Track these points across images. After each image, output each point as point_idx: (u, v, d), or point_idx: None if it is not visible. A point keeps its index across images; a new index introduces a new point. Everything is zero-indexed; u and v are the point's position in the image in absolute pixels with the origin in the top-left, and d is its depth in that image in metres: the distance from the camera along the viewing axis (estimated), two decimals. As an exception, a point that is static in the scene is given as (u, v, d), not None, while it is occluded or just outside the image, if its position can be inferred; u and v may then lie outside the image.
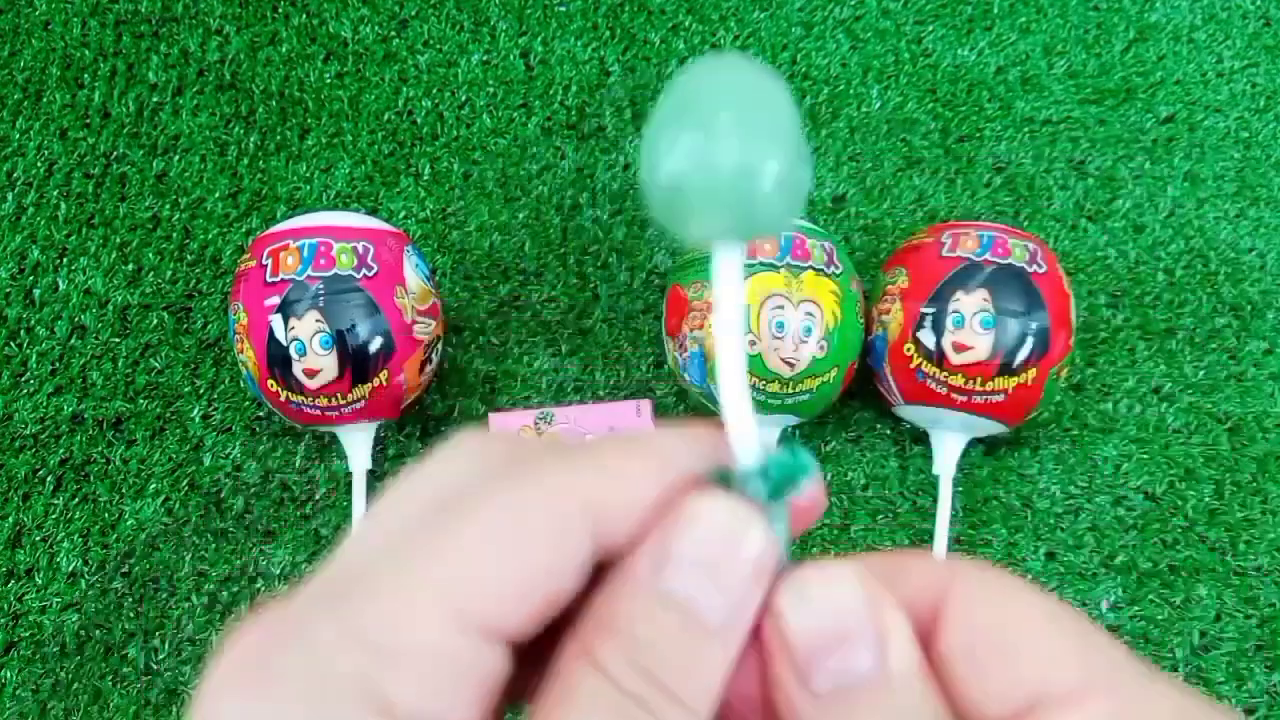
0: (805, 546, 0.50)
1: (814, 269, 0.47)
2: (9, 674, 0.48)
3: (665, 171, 0.16)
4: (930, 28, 0.63)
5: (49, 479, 0.51)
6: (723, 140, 0.16)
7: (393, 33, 0.62)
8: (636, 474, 0.16)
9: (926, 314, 0.47)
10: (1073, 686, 0.16)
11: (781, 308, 0.46)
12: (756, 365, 0.46)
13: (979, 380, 0.46)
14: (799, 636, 0.16)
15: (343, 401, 0.45)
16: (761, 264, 0.46)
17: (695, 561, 0.16)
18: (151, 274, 0.56)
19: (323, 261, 0.45)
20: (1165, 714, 0.16)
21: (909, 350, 0.47)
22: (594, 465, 0.16)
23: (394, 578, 0.15)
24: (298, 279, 0.44)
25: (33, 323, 0.55)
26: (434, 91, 0.60)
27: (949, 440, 0.49)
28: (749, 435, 0.17)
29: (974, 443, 0.52)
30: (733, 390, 0.17)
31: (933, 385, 0.47)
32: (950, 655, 0.16)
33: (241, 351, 0.46)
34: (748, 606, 0.16)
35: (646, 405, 0.50)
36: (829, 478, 0.52)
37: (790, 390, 0.47)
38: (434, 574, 0.15)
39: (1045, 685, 0.16)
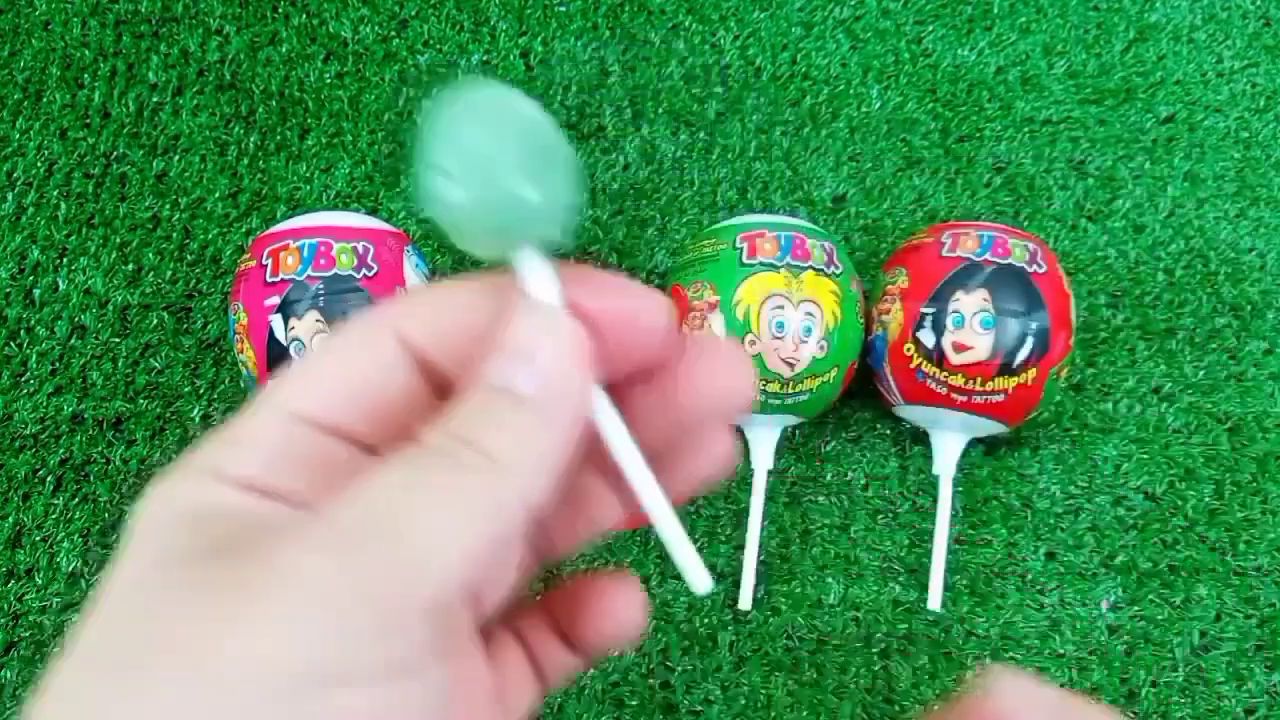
0: (806, 547, 0.51)
1: (814, 269, 0.47)
2: (9, 674, 0.48)
3: (435, 211, 0.20)
4: (930, 28, 0.63)
5: (49, 479, 0.51)
6: (473, 179, 0.19)
7: (393, 33, 0.62)
8: (440, 299, 0.20)
9: (926, 314, 0.47)
10: None
11: (781, 308, 0.46)
12: (756, 365, 0.46)
13: (979, 380, 0.46)
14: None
15: (343, 401, 0.45)
16: (761, 264, 0.46)
17: (515, 349, 0.18)
18: (151, 274, 0.56)
19: (323, 261, 0.45)
20: None
21: (909, 350, 0.47)
22: (400, 301, 0.20)
23: (257, 403, 0.19)
24: (298, 279, 0.44)
25: (33, 323, 0.55)
26: (434, 91, 0.60)
27: (949, 440, 0.49)
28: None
29: (974, 443, 0.53)
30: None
31: (933, 385, 0.47)
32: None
33: (241, 351, 0.46)
34: (564, 381, 0.19)
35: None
36: (829, 478, 0.52)
37: (790, 390, 0.47)
38: (272, 396, 0.19)
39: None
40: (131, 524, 0.18)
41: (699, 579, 0.21)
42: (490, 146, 0.19)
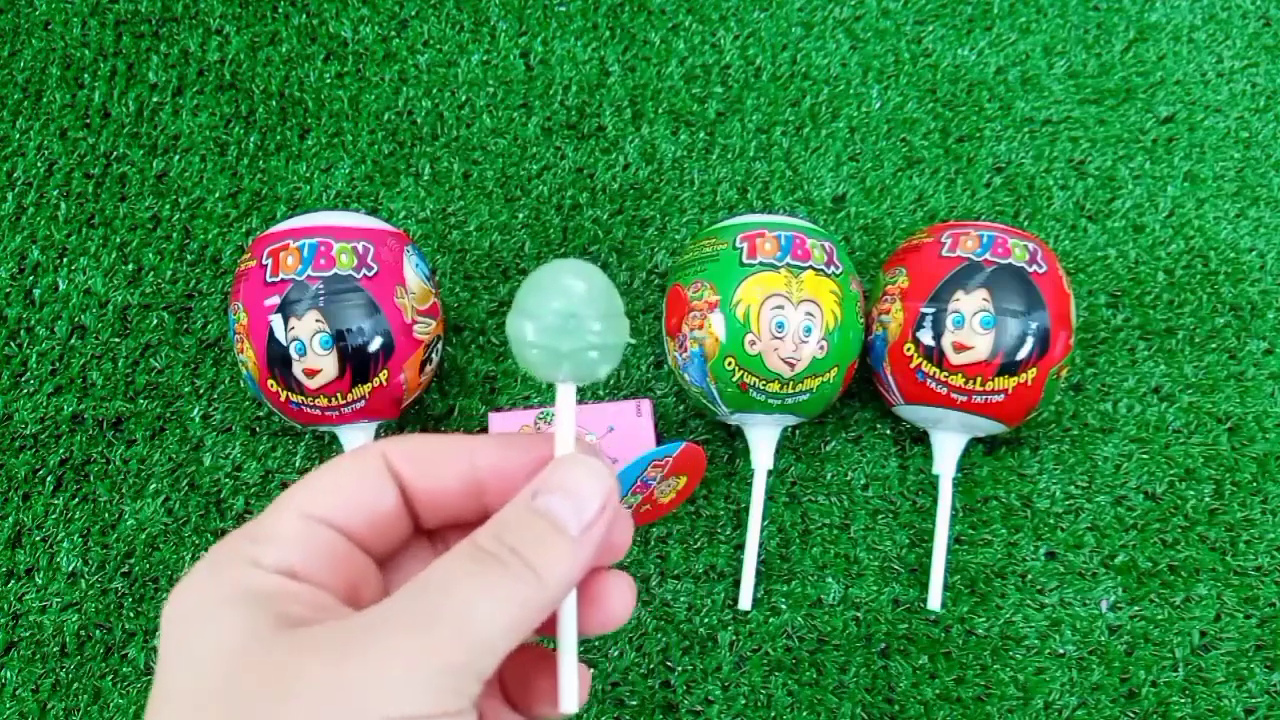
0: (806, 547, 0.51)
1: (814, 269, 0.47)
2: (9, 674, 0.48)
3: (519, 346, 0.26)
4: (930, 28, 0.63)
5: (49, 479, 0.51)
6: (555, 328, 0.25)
7: (393, 33, 0.62)
8: (430, 441, 0.25)
9: (926, 314, 0.47)
10: None
11: (781, 308, 0.46)
12: (756, 365, 0.46)
13: (979, 380, 0.46)
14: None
15: (343, 401, 0.45)
16: (762, 264, 0.46)
17: (564, 490, 0.23)
18: (151, 274, 0.56)
19: (323, 261, 0.45)
20: None
21: (909, 350, 0.47)
22: (391, 438, 0.25)
23: (270, 510, 0.24)
24: (298, 279, 0.44)
25: (33, 323, 0.55)
26: (434, 91, 0.60)
27: (949, 440, 0.49)
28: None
29: (974, 443, 0.52)
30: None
31: (933, 385, 0.47)
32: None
33: (241, 351, 0.46)
34: (595, 528, 0.23)
35: (647, 405, 0.50)
36: (829, 478, 0.52)
37: (790, 390, 0.47)
38: (288, 501, 0.24)
39: None
40: (177, 609, 0.22)
41: (568, 696, 0.25)
42: (561, 298, 0.25)
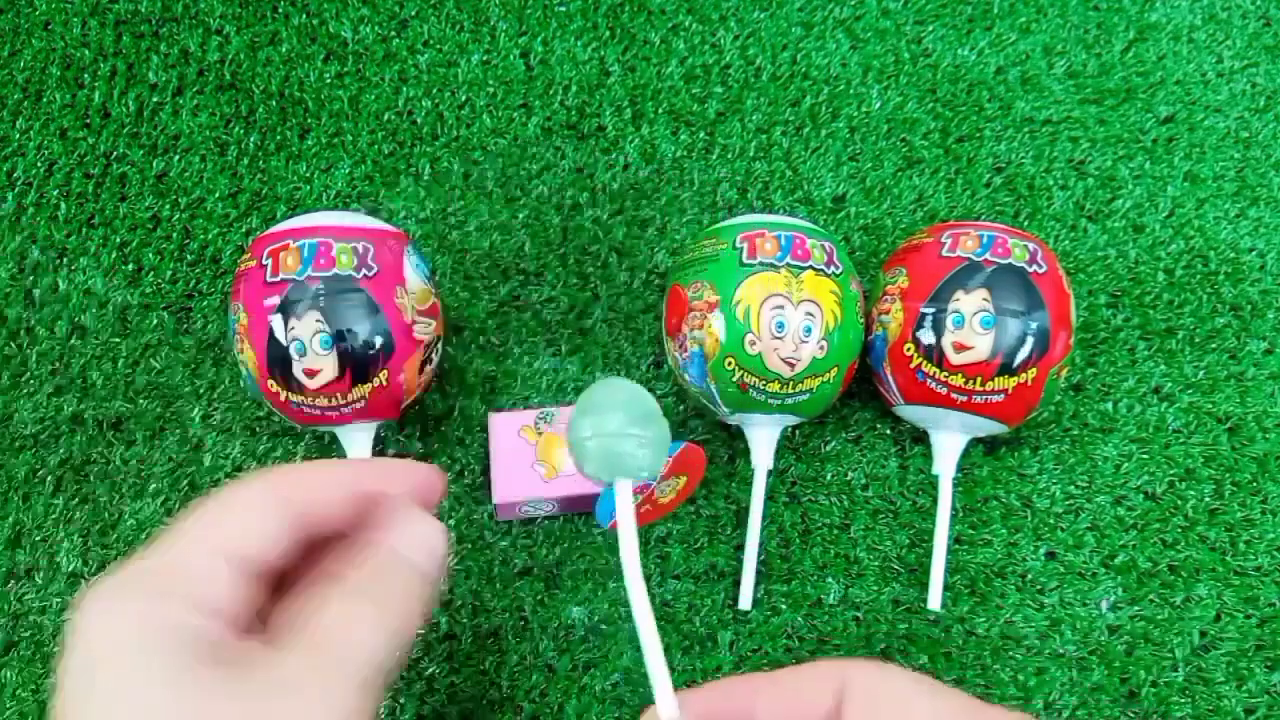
0: (806, 547, 0.51)
1: (814, 269, 0.47)
2: (9, 674, 0.48)
3: (583, 456, 0.31)
4: (930, 28, 0.63)
5: (49, 479, 0.51)
6: (612, 439, 0.31)
7: (393, 33, 0.62)
8: (320, 477, 0.29)
9: (926, 314, 0.47)
10: None
11: (781, 308, 0.46)
12: (756, 365, 0.46)
13: (979, 380, 0.46)
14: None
15: (343, 401, 0.45)
16: (762, 264, 0.46)
17: (425, 547, 0.29)
18: (151, 274, 0.56)
19: (323, 261, 0.45)
20: None
21: (909, 350, 0.47)
22: (280, 471, 0.29)
23: (178, 545, 0.27)
24: (298, 279, 0.44)
25: (33, 323, 0.55)
26: (434, 91, 0.60)
27: (949, 440, 0.49)
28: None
29: (974, 443, 0.53)
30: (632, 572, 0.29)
31: (933, 385, 0.47)
32: None
33: (241, 352, 0.46)
34: (441, 573, 0.30)
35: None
36: (829, 478, 0.52)
37: (790, 390, 0.47)
38: (202, 537, 0.27)
39: None
40: (86, 632, 0.24)
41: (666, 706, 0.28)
42: (609, 412, 0.31)
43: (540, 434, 0.49)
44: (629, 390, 0.32)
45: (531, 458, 0.49)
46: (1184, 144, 0.60)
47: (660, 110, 0.60)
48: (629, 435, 0.30)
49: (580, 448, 0.31)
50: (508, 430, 0.49)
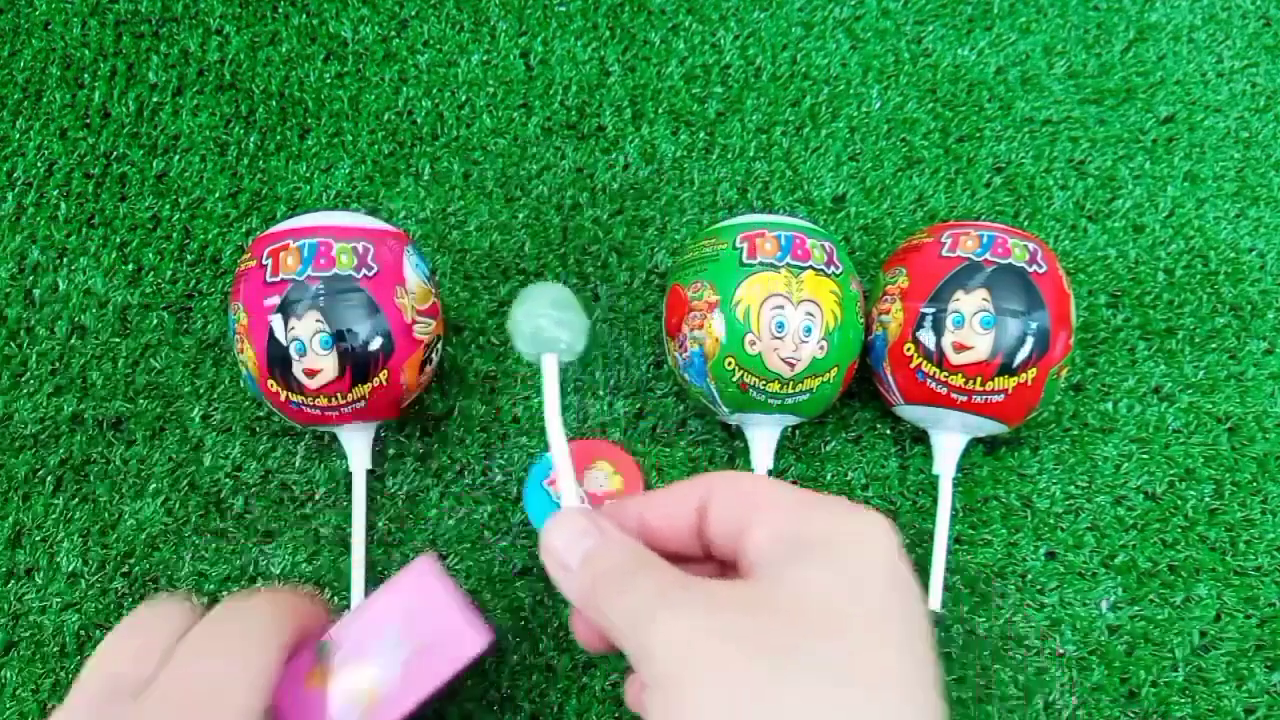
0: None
1: (814, 269, 0.47)
2: (9, 674, 0.48)
3: (515, 334, 0.38)
4: (930, 28, 0.63)
5: (49, 479, 0.51)
6: (537, 318, 0.38)
7: (393, 33, 0.62)
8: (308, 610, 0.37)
9: (926, 314, 0.47)
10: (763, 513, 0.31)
11: (781, 308, 0.46)
12: (756, 365, 0.46)
13: (979, 380, 0.46)
14: (554, 547, 0.33)
15: (343, 401, 0.45)
16: (762, 264, 0.46)
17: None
18: (151, 274, 0.56)
19: (323, 261, 0.45)
20: (820, 522, 0.30)
21: (909, 350, 0.47)
22: (291, 609, 0.36)
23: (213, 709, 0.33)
24: (298, 279, 0.44)
25: (33, 323, 0.55)
26: (434, 91, 0.60)
27: (949, 440, 0.49)
28: (571, 490, 0.35)
29: (974, 443, 0.53)
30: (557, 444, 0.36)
31: (933, 385, 0.47)
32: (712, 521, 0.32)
33: (241, 351, 0.46)
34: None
35: (425, 566, 0.39)
36: (829, 478, 0.52)
37: (790, 390, 0.47)
38: (236, 699, 0.32)
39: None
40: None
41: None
42: (536, 302, 0.38)
43: (326, 672, 0.37)
44: (555, 288, 0.39)
45: (327, 702, 0.37)
46: (1184, 144, 0.60)
47: (660, 110, 0.60)
48: (548, 314, 0.38)
49: (514, 327, 0.38)
50: (290, 690, 0.36)
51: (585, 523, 0.32)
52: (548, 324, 0.38)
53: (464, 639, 0.38)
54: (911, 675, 0.27)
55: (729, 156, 0.59)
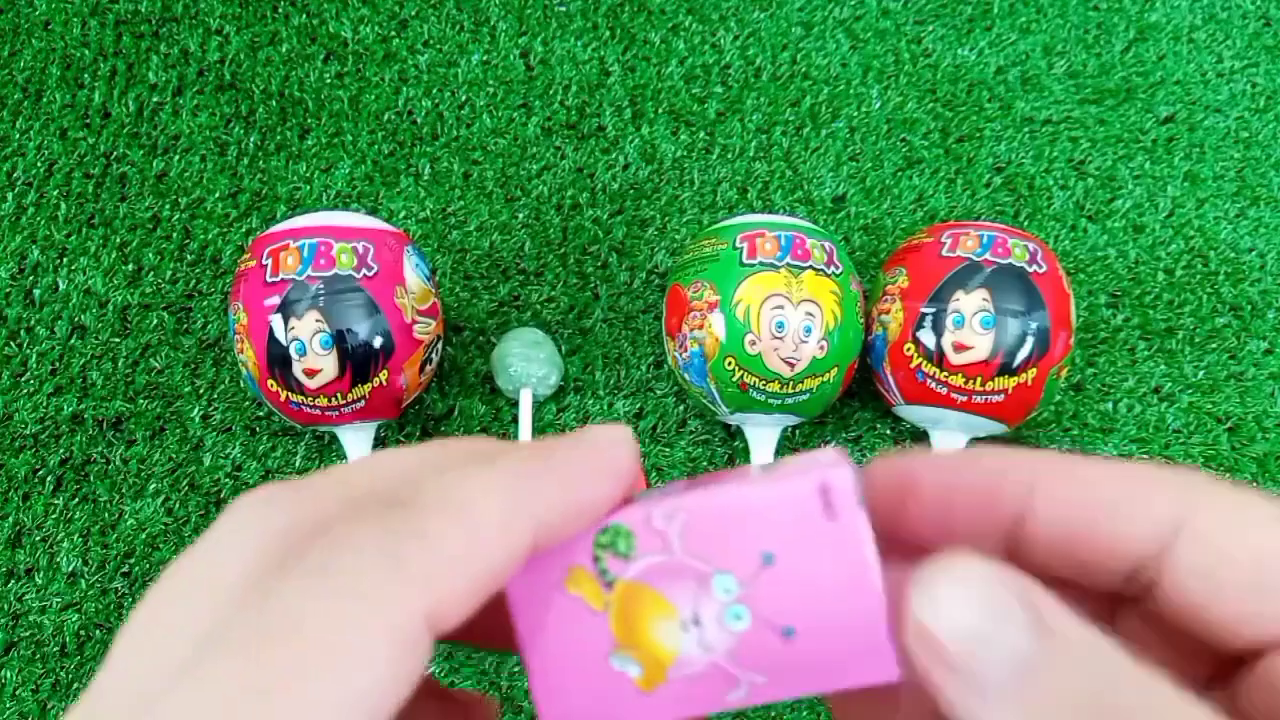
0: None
1: (814, 269, 0.47)
2: (9, 674, 0.48)
3: (497, 375, 0.49)
4: (930, 28, 0.63)
5: (49, 479, 0.51)
6: (510, 359, 0.49)
7: (393, 33, 0.62)
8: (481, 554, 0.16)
9: (926, 314, 0.47)
10: None
11: (781, 308, 0.46)
12: (756, 365, 0.46)
13: (979, 380, 0.46)
14: (948, 637, 0.15)
15: (343, 401, 0.45)
16: (762, 264, 0.46)
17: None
18: (151, 274, 0.56)
19: (323, 261, 0.45)
20: None
21: (909, 350, 0.47)
22: (426, 557, 0.15)
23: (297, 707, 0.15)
24: (298, 279, 0.44)
25: (33, 323, 0.55)
26: (434, 91, 0.60)
27: (949, 440, 0.49)
28: None
29: (974, 443, 0.52)
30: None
31: (933, 385, 0.47)
32: (1182, 576, 0.16)
33: (241, 351, 0.46)
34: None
35: (838, 479, 0.18)
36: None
37: (790, 390, 0.47)
38: (328, 698, 0.15)
39: None
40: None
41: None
42: (510, 348, 0.49)
43: (610, 586, 0.20)
44: (529, 332, 0.50)
45: (603, 643, 0.19)
46: (1184, 144, 0.60)
47: (660, 110, 0.60)
48: (519, 354, 0.48)
49: (493, 366, 0.48)
50: (538, 592, 0.20)
51: (1006, 594, 0.15)
52: (521, 363, 0.48)
53: (873, 647, 0.18)
54: None
55: (729, 156, 0.59)
